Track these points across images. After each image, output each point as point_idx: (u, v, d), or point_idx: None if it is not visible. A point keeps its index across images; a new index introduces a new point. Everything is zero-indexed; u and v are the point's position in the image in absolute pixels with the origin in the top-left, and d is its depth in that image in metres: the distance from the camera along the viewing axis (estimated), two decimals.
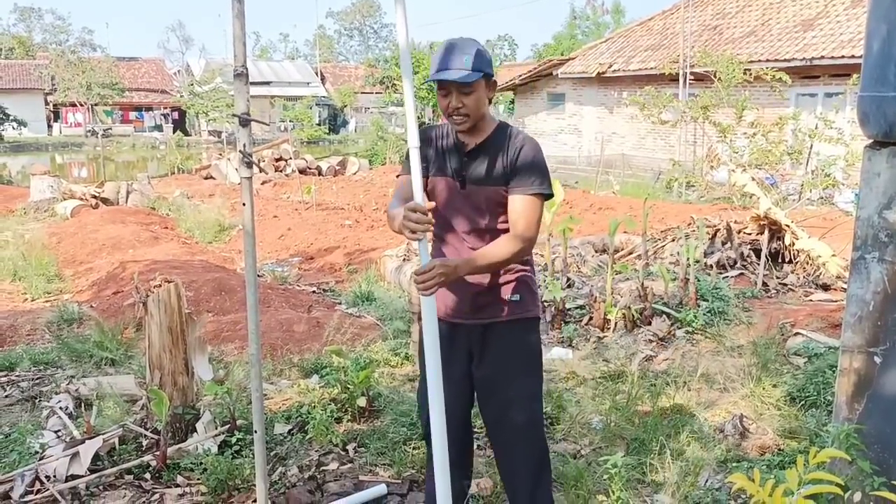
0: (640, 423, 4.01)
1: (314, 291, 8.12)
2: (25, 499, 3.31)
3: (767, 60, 17.20)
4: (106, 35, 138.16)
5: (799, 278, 6.88)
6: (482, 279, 2.66)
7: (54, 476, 3.46)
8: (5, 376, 5.09)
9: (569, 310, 6.03)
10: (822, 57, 16.67)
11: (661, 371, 4.90)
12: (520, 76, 26.70)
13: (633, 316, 5.71)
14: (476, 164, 2.63)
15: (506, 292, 2.69)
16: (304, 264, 9.97)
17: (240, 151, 2.33)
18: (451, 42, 2.56)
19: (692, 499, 3.27)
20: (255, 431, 2.71)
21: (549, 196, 2.63)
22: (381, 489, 3.41)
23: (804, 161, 13.25)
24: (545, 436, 2.89)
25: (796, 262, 7.07)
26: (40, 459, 3.59)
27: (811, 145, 12.94)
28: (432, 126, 2.79)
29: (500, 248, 2.55)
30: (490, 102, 2.66)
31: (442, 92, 2.55)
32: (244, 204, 2.46)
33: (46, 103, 45.78)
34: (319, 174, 21.06)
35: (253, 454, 3.26)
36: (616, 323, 5.70)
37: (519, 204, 2.57)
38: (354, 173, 21.63)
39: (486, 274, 2.65)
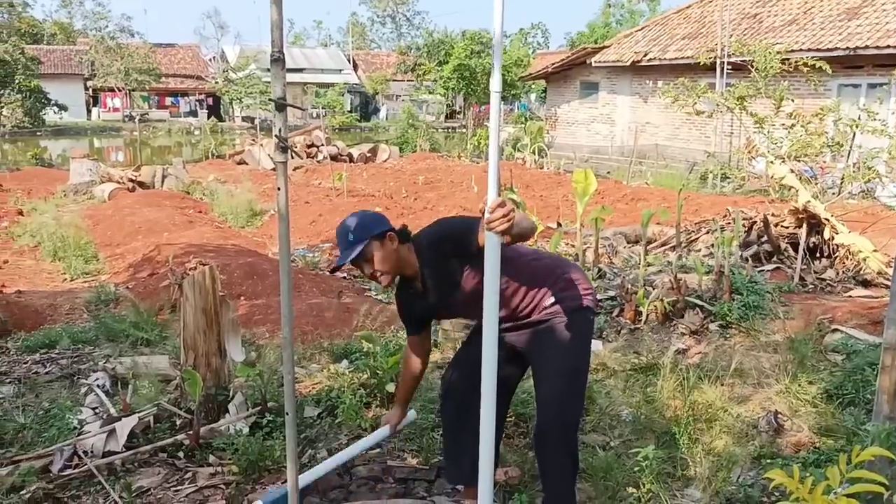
0: (672, 417, 3.97)
1: (344, 277, 8.15)
2: (64, 473, 3.38)
3: (809, 50, 16.84)
4: (144, 21, 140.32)
5: (838, 274, 6.75)
6: (522, 300, 2.86)
7: (92, 451, 3.53)
8: (46, 354, 5.20)
9: (600, 301, 5.99)
10: (867, 46, 16.28)
11: (694, 365, 4.85)
12: (552, 64, 26.46)
13: (665, 308, 5.65)
14: (436, 288, 2.87)
15: (545, 301, 2.86)
16: (334, 250, 10.02)
17: (275, 136, 2.33)
18: (338, 229, 2.82)
19: (724, 494, 3.23)
20: (287, 413, 2.72)
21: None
22: (412, 415, 3.49)
23: (845, 153, 12.96)
24: (575, 420, 2.93)
25: (835, 257, 6.93)
26: (78, 435, 3.66)
27: (853, 137, 12.64)
28: (397, 292, 3.07)
29: (524, 218, 2.54)
30: (404, 243, 2.83)
31: (357, 267, 2.85)
32: (279, 189, 2.45)
33: (86, 88, 46.36)
34: (350, 161, 21.12)
35: (283, 436, 3.29)
36: (648, 315, 5.65)
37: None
38: (385, 161, 21.66)
39: (517, 325, 2.90)
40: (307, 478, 3.07)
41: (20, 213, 12.90)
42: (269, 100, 2.35)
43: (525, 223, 2.56)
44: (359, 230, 2.76)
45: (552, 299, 2.85)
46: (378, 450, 3.74)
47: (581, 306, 2.87)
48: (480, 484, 2.54)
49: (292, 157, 19.79)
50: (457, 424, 3.10)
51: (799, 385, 4.36)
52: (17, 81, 36.17)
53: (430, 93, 44.28)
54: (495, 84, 2.26)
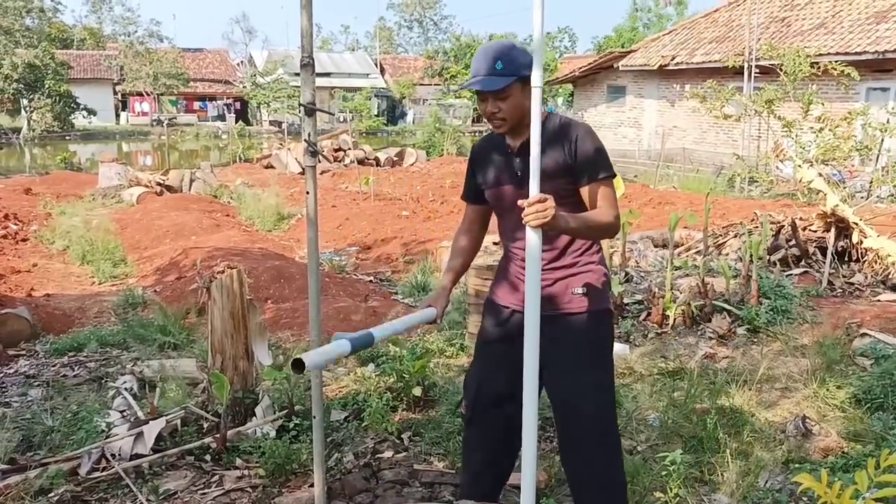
0: (699, 422, 3.94)
1: (371, 281, 8.19)
2: (92, 476, 3.42)
3: (837, 53, 16.65)
4: (173, 26, 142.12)
5: (866, 278, 6.67)
6: (549, 272, 2.63)
7: (119, 454, 3.57)
8: (74, 357, 5.27)
9: (627, 305, 5.96)
10: None
11: (721, 369, 4.81)
12: (580, 68, 26.41)
13: (692, 312, 5.61)
14: (525, 159, 2.58)
15: (571, 285, 2.68)
16: (361, 254, 10.07)
17: (305, 140, 2.36)
18: (483, 47, 2.56)
19: (751, 499, 3.21)
20: (314, 417, 2.75)
21: (615, 175, 2.66)
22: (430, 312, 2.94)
23: (874, 157, 12.81)
24: (617, 430, 2.81)
25: (864, 262, 6.84)
26: (106, 438, 3.70)
27: (882, 141, 12.49)
28: (477, 147, 2.85)
29: (599, 215, 2.54)
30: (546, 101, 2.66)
31: (479, 97, 2.56)
32: (307, 192, 2.48)
33: (115, 93, 47.05)
34: (377, 165, 21.20)
35: (310, 440, 3.31)
36: (675, 319, 5.61)
37: (596, 191, 2.58)
38: (412, 164, 21.71)
39: (554, 267, 2.66)
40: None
41: (49, 216, 13.10)
42: (299, 104, 2.37)
43: (590, 232, 2.56)
44: (510, 62, 2.47)
45: (583, 289, 2.68)
46: (404, 454, 3.75)
47: (608, 309, 2.77)
48: (523, 489, 2.51)
49: (328, 161, 19.92)
50: (482, 444, 2.95)
51: (827, 390, 4.32)
52: (46, 86, 36.71)
53: (456, 97, 44.32)
54: (536, 79, 2.24)
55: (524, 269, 2.67)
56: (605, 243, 6.94)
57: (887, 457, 1.46)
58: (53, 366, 5.10)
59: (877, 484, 1.48)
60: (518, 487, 3.16)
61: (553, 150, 2.58)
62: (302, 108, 2.39)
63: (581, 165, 2.57)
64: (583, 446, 2.74)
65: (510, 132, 2.63)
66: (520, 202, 2.26)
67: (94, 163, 23.11)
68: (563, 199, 2.53)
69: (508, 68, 2.48)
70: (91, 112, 40.01)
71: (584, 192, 2.59)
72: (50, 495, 3.24)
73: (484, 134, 2.90)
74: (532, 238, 2.29)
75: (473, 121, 46.00)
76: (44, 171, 22.32)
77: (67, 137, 37.88)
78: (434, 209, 13.29)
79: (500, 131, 2.61)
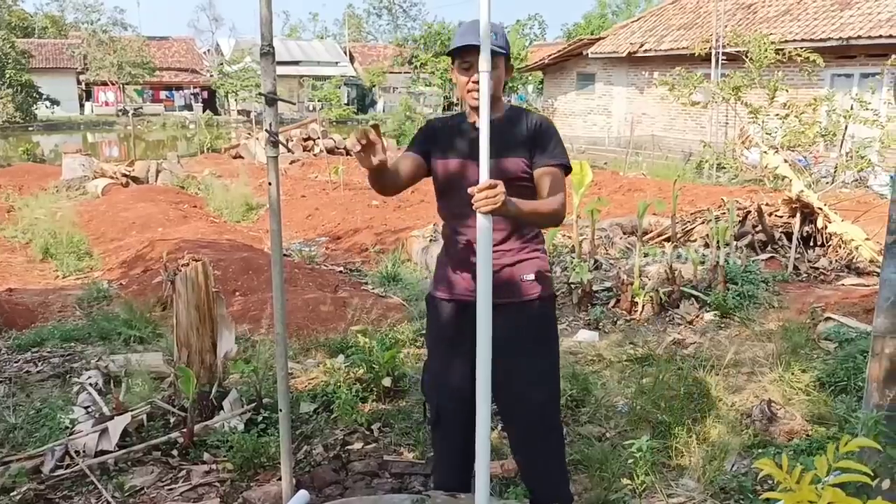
0: (667, 407, 3.98)
1: (341, 271, 8.14)
2: (56, 473, 3.37)
3: (802, 40, 16.84)
4: (137, 14, 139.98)
5: (831, 262, 6.77)
6: (497, 259, 2.57)
7: (84, 451, 3.52)
8: (37, 352, 5.17)
9: (596, 292, 5.99)
10: (859, 37, 16.31)
11: (689, 355, 4.86)
12: (549, 56, 26.44)
13: (660, 299, 5.66)
14: (493, 139, 2.55)
15: (519, 272, 2.68)
16: (331, 244, 10.00)
17: (266, 130, 2.33)
18: (473, 21, 2.52)
19: (718, 483, 3.24)
20: (280, 410, 2.73)
21: (570, 170, 2.69)
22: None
23: (838, 143, 12.99)
24: (559, 417, 2.89)
25: (828, 246, 6.95)
26: (70, 434, 3.65)
27: (846, 127, 12.67)
28: (436, 120, 2.84)
29: (546, 203, 2.53)
30: (505, 88, 2.70)
31: (464, 65, 2.55)
32: (270, 183, 2.45)
33: (78, 82, 46.14)
34: (347, 154, 21.03)
35: (278, 432, 3.29)
36: (644, 306, 5.65)
37: (549, 175, 2.59)
38: None
39: (502, 251, 2.63)
40: None
41: (11, 209, 12.83)
42: (259, 94, 2.34)
43: (537, 218, 2.54)
44: (502, 36, 2.56)
45: (532, 276, 2.69)
46: (374, 445, 3.74)
47: (553, 295, 2.80)
48: (477, 479, 2.50)
49: (289, 151, 19.77)
50: (460, 444, 2.85)
51: (792, 373, 4.38)
52: (7, 76, 35.83)
53: (427, 85, 44.18)
54: (483, 63, 2.22)
55: (469, 252, 2.65)
56: (574, 230, 6.99)
57: (846, 442, 1.47)
58: (16, 362, 5.00)
59: (836, 468, 1.49)
60: (494, 477, 3.19)
61: (514, 130, 2.62)
62: (263, 98, 2.36)
63: (539, 148, 2.59)
64: (530, 438, 2.79)
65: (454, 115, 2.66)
66: (469, 189, 2.23)
67: (58, 154, 22.61)
68: (516, 181, 2.52)
69: (501, 41, 2.52)
70: (54, 102, 39.21)
71: (538, 175, 2.60)
72: (12, 494, 3.18)
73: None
74: (483, 224, 2.27)
75: (444, 109, 45.92)
76: (5, 163, 21.83)
77: (30, 128, 37.07)
78: (405, 197, 13.22)
79: (474, 106, 2.56)
